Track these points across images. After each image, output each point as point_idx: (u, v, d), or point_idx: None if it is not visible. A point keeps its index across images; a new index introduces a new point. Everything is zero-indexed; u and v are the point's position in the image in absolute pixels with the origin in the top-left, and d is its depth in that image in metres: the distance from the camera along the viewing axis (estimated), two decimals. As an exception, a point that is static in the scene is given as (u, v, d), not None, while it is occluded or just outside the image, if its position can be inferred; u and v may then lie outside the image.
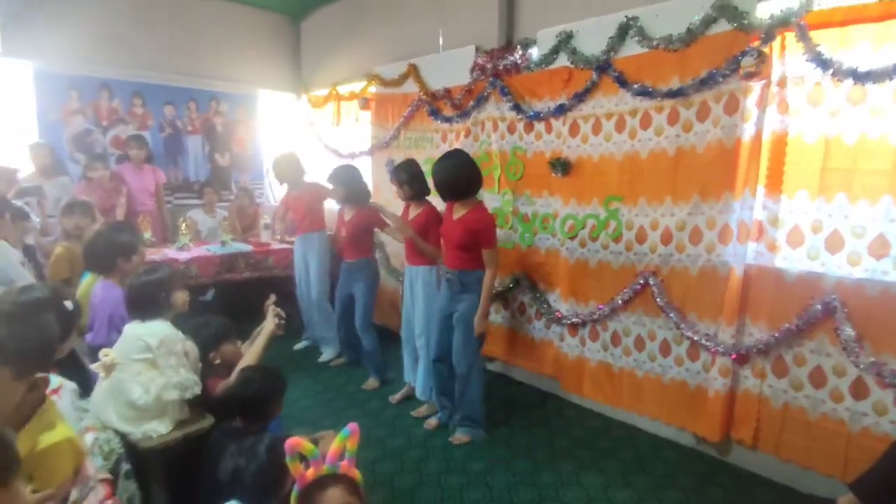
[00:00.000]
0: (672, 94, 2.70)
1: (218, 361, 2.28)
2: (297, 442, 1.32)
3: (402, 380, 3.43)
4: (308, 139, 5.59)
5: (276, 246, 4.50)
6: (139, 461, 1.86)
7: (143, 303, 2.00)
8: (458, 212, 2.76)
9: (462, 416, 2.89)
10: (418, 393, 3.21)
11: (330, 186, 3.60)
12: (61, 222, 3.14)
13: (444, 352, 2.90)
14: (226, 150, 5.44)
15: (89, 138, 4.65)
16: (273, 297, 2.48)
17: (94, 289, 2.34)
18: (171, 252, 4.03)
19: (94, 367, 1.89)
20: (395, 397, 3.35)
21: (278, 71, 5.72)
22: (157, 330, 1.96)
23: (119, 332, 2.14)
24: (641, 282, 2.90)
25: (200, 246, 4.30)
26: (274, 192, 6.04)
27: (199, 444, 1.90)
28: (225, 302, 4.31)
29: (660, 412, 2.92)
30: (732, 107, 2.52)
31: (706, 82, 2.57)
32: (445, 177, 2.69)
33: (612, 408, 3.14)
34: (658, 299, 2.82)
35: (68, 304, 1.76)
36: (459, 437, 2.87)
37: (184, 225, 4.21)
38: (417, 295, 3.10)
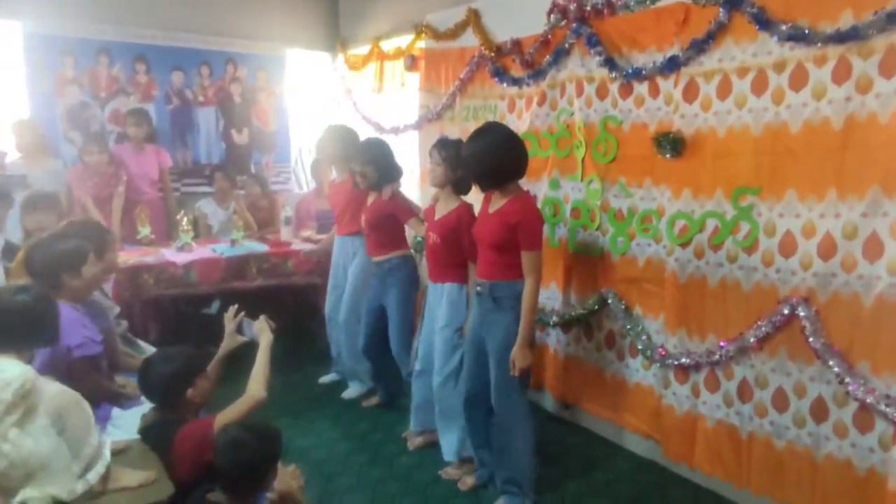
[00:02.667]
0: (841, 38, 2.28)
1: (197, 400, 2.22)
2: None
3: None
4: (344, 110, 5.52)
5: (297, 246, 4.44)
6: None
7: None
8: (496, 203, 2.65)
9: (505, 479, 2.74)
10: (445, 453, 3.06)
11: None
12: (22, 220, 3.19)
13: (477, 389, 2.77)
14: (244, 124, 5.49)
15: (85, 113, 4.82)
16: (234, 308, 2.54)
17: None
18: (168, 253, 4.06)
19: None
20: (415, 443, 3.27)
21: (310, 25, 5.70)
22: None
23: (64, 362, 2.08)
24: (786, 312, 2.51)
25: (206, 245, 4.32)
26: (306, 178, 6.04)
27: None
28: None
29: (809, 502, 2.53)
30: (940, 53, 2.07)
31: (896, 17, 2.14)
32: (480, 158, 2.58)
33: (735, 489, 2.79)
34: (812, 339, 2.42)
35: None
36: None
37: (185, 219, 4.22)
38: (439, 321, 2.99)
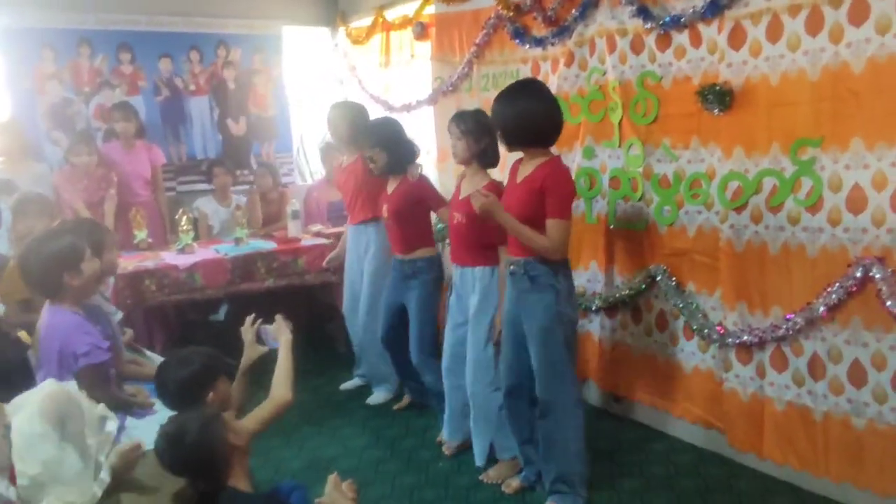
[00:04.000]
0: (907, -40, 2.29)
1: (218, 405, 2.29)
2: None
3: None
4: (349, 90, 5.60)
5: (307, 242, 4.53)
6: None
7: None
8: (524, 170, 2.73)
9: (554, 478, 2.79)
10: (477, 458, 3.13)
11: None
12: (12, 226, 3.30)
13: (518, 378, 2.82)
14: (241, 113, 5.60)
15: (69, 110, 4.96)
16: (250, 319, 2.57)
17: (41, 316, 2.39)
18: (168, 256, 4.17)
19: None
20: (452, 447, 3.33)
21: (306, -1, 5.78)
22: None
23: (72, 371, 2.16)
24: (859, 275, 2.52)
25: (209, 246, 4.42)
26: (309, 169, 6.13)
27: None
28: (241, 321, 4.39)
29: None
30: None
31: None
32: (510, 118, 2.66)
33: (813, 477, 2.81)
34: (889, 303, 2.42)
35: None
36: None
37: (184, 219, 4.33)
38: (472, 310, 3.04)
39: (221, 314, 4.61)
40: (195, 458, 1.86)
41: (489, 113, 2.97)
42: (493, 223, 2.73)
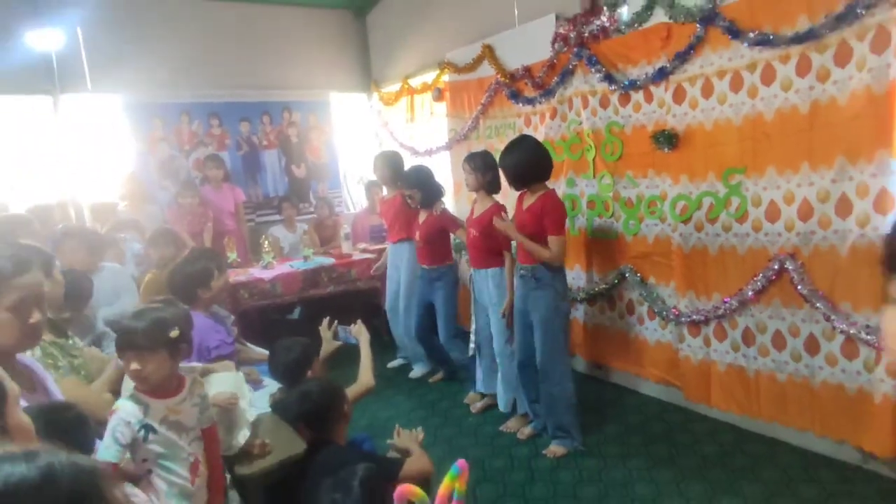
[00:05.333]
0: (800, 39, 2.46)
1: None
2: (406, 490, 1.42)
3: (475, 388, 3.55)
4: (382, 139, 5.78)
5: (357, 257, 4.69)
6: (237, 488, 2.02)
7: None
8: (528, 200, 2.88)
9: (556, 427, 2.93)
10: (501, 406, 3.29)
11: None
12: (148, 252, 3.51)
13: (528, 354, 2.97)
14: (301, 160, 5.77)
15: (174, 164, 5.15)
16: (327, 321, 2.70)
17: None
18: (255, 271, 4.34)
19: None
20: (477, 407, 3.45)
21: (347, 71, 5.97)
22: None
23: (207, 360, 2.34)
24: (776, 267, 2.67)
25: (283, 263, 4.60)
26: (353, 200, 6.32)
27: (294, 470, 2.03)
28: (312, 319, 4.55)
29: (810, 423, 2.68)
30: (882, 43, 2.24)
31: (844, 18, 2.32)
32: (513, 164, 2.84)
33: (749, 419, 2.93)
34: (800, 287, 2.58)
35: (173, 334, 1.87)
36: (554, 449, 2.91)
37: (266, 242, 4.51)
38: (491, 300, 3.18)
39: (296, 314, 4.77)
40: (316, 411, 2.03)
41: (494, 154, 3.17)
42: (504, 237, 2.93)
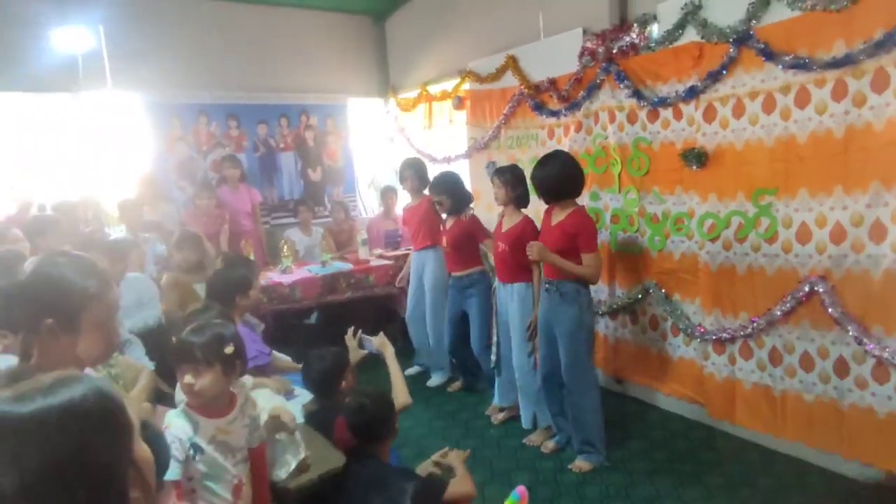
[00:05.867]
0: (837, 64, 2.48)
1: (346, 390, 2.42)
2: None
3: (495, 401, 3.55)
4: (399, 145, 5.79)
5: (375, 262, 4.70)
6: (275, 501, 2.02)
7: None
8: (557, 216, 2.88)
9: (582, 441, 2.93)
10: (524, 422, 3.28)
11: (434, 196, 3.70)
12: (172, 254, 3.51)
13: (552, 367, 2.97)
14: (317, 164, 5.78)
15: (191, 164, 5.16)
16: (352, 330, 2.67)
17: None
18: (274, 275, 4.35)
19: None
20: (498, 418, 3.45)
21: (365, 76, 6.00)
22: None
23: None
24: (807, 289, 2.68)
25: (301, 267, 4.60)
26: (366, 205, 6.33)
27: (334, 485, 2.02)
28: (329, 324, 4.56)
29: (837, 445, 2.69)
30: (921, 72, 2.26)
31: (883, 45, 2.34)
32: (545, 179, 2.84)
33: (774, 438, 2.94)
34: (830, 309, 2.59)
35: (228, 349, 1.71)
36: (580, 464, 2.90)
37: (285, 248, 4.52)
38: (514, 315, 3.18)
39: (313, 319, 4.77)
40: (371, 424, 2.01)
41: (518, 165, 3.19)
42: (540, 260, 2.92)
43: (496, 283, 3.38)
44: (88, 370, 1.59)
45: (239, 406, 1.69)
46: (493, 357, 3.43)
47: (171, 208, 4.87)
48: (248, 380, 2.01)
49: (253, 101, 5.37)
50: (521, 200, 3.20)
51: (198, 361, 1.57)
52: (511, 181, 3.15)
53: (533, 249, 2.84)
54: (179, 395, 1.78)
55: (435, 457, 2.16)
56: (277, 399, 2.06)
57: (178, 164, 5.08)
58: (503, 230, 3.22)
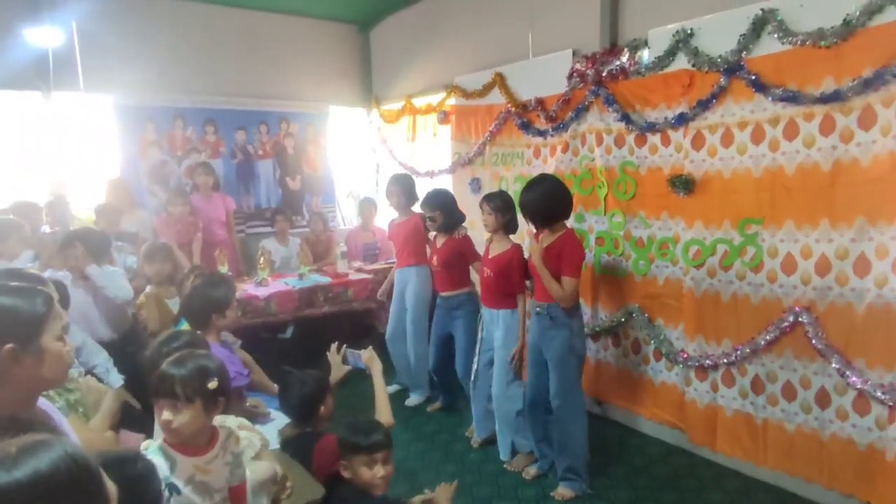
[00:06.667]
0: (825, 99, 2.51)
1: (326, 415, 2.32)
2: None
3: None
4: (381, 157, 5.72)
5: (354, 276, 4.60)
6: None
7: None
8: (546, 240, 2.84)
9: (565, 468, 2.88)
10: (502, 454, 3.20)
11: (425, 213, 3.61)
12: (143, 268, 3.35)
13: (539, 393, 2.92)
14: (297, 172, 5.66)
15: (164, 170, 4.98)
16: (335, 345, 2.58)
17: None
18: (249, 288, 4.20)
19: None
20: (478, 441, 3.39)
21: (348, 85, 5.91)
22: None
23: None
24: (791, 319, 2.70)
25: (277, 279, 4.46)
26: (346, 216, 6.22)
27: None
28: (304, 339, 4.43)
29: (818, 475, 2.71)
30: (908, 111, 2.30)
31: (871, 83, 2.38)
32: (534, 203, 2.80)
33: (754, 466, 2.94)
34: (814, 340, 2.61)
35: (212, 385, 1.56)
36: (562, 492, 2.85)
37: (261, 258, 4.38)
38: (498, 342, 3.11)
39: (288, 333, 4.63)
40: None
41: (500, 182, 3.16)
42: (520, 279, 2.87)
43: (481, 309, 3.31)
44: (42, 401, 1.47)
45: (220, 443, 1.57)
46: (470, 381, 3.34)
47: (144, 214, 4.68)
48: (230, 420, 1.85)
49: (232, 107, 5.22)
50: (510, 227, 3.13)
51: (177, 397, 1.46)
52: (501, 207, 3.07)
53: (533, 252, 2.81)
54: (158, 430, 1.66)
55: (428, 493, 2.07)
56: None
57: (150, 169, 4.90)
58: (490, 256, 3.15)
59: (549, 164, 3.84)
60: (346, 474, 1.97)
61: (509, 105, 4.09)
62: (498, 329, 3.12)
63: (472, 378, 3.33)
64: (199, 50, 5.00)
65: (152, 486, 1.27)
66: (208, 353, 1.61)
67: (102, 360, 2.73)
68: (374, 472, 1.94)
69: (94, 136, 4.73)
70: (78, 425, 1.88)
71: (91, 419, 2.03)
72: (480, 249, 3.39)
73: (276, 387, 2.59)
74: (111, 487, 0.79)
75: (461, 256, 3.52)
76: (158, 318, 3.03)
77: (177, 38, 4.88)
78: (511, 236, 3.17)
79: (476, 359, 3.31)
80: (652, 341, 3.33)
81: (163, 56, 4.79)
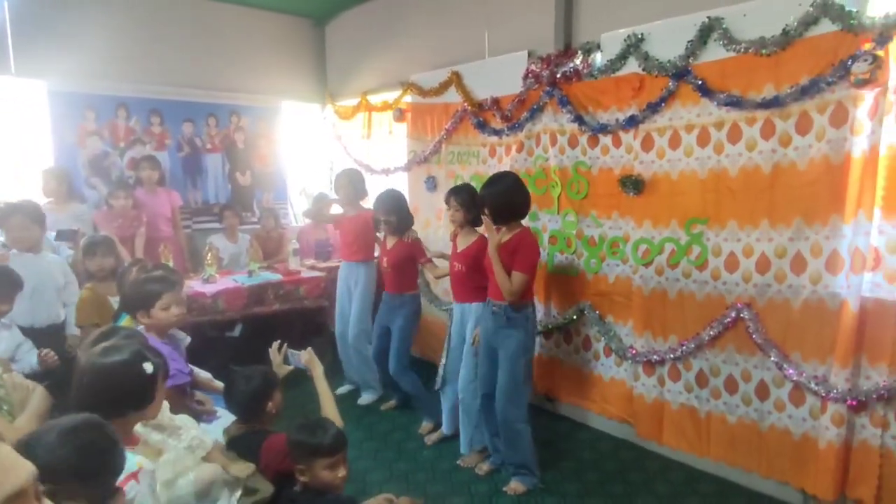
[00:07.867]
0: (766, 105, 2.62)
1: (273, 412, 2.25)
2: None
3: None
4: (335, 153, 5.62)
5: (306, 273, 4.49)
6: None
7: None
8: (503, 236, 2.83)
9: (517, 465, 2.89)
10: (462, 447, 3.20)
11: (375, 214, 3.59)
12: (84, 263, 3.16)
13: (491, 389, 2.92)
14: (247, 168, 5.49)
15: (106, 161, 4.73)
16: (277, 344, 2.51)
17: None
18: (196, 285, 4.04)
19: None
20: (432, 438, 3.38)
21: (302, 80, 5.78)
22: None
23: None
24: (733, 315, 2.80)
25: (226, 276, 4.31)
26: (297, 213, 6.07)
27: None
28: (253, 337, 4.29)
29: (756, 464, 2.81)
30: (840, 118, 2.43)
31: (807, 90, 2.49)
32: (495, 197, 2.79)
33: (698, 458, 3.03)
34: (755, 335, 2.72)
35: (147, 368, 1.62)
36: (514, 486, 2.87)
37: (209, 255, 4.22)
38: (469, 335, 3.11)
39: (236, 332, 4.47)
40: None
41: (472, 188, 3.15)
42: (489, 269, 2.86)
43: (453, 304, 3.28)
44: None
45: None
46: (438, 378, 3.32)
47: (82, 208, 4.41)
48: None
49: (179, 98, 5.01)
50: (476, 220, 3.12)
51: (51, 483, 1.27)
52: (468, 202, 3.08)
53: (490, 241, 2.79)
54: None
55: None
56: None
57: (90, 160, 4.64)
58: (458, 250, 3.15)
59: (505, 164, 3.85)
60: (303, 478, 1.91)
61: (465, 104, 4.08)
62: (470, 321, 3.11)
63: (441, 374, 3.31)
64: (145, 36, 4.78)
65: (120, 454, 1.29)
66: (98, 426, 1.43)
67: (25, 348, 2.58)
68: (335, 474, 1.89)
69: (27, 123, 4.43)
70: (3, 425, 1.75)
71: (16, 418, 1.89)
72: (442, 248, 3.38)
73: (221, 385, 2.49)
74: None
75: (411, 259, 3.52)
76: (97, 318, 2.84)
77: (120, 23, 4.64)
78: (478, 229, 3.16)
79: (445, 353, 3.29)
80: (602, 338, 3.38)
81: (105, 41, 4.55)
